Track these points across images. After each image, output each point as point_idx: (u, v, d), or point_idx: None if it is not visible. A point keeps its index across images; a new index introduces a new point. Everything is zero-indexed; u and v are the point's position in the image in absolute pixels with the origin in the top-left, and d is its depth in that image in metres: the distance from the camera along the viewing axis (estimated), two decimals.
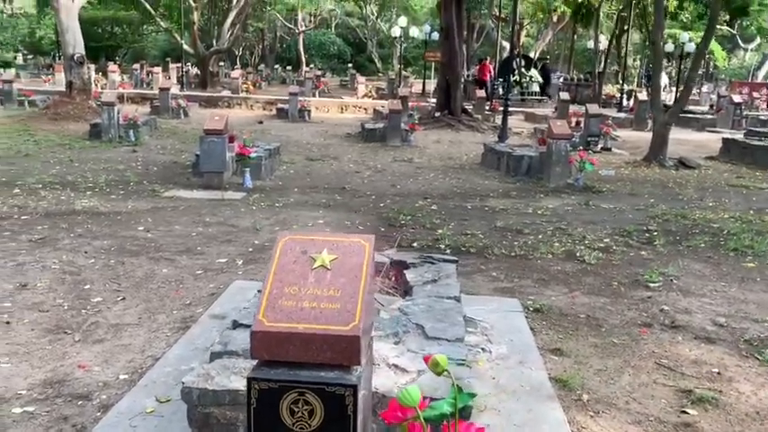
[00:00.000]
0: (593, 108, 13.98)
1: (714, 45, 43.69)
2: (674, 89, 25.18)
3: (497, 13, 30.92)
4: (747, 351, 3.68)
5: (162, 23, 30.19)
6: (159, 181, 8.75)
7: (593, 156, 10.53)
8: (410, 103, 17.60)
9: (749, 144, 12.29)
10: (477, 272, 5.13)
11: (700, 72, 46.52)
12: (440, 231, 6.36)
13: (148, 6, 28.42)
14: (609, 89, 28.77)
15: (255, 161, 8.70)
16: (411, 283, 3.59)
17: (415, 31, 28.10)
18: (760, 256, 5.85)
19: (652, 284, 4.89)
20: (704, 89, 29.86)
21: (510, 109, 23.30)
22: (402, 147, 13.38)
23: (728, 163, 12.28)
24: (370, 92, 25.35)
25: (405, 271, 3.79)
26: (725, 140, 13.03)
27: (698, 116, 20.01)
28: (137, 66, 30.15)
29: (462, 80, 19.68)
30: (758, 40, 40.37)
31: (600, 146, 13.69)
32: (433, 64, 26.10)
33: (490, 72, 23.88)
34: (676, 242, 6.34)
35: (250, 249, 5.60)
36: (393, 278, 3.80)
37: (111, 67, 26.84)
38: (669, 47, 23.80)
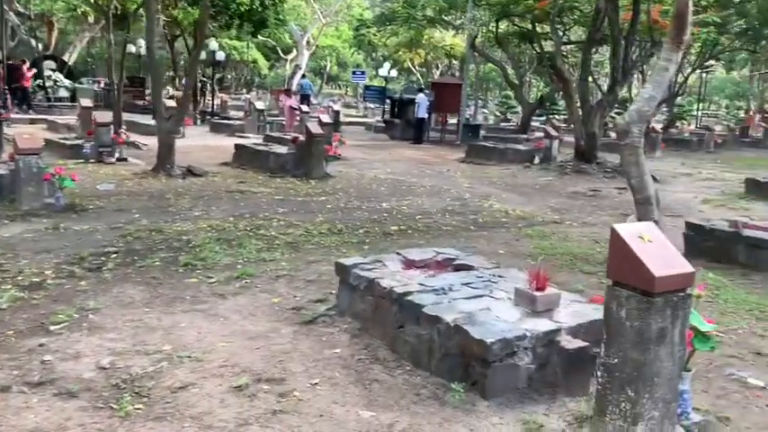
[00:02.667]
0: (104, 116, 13.02)
1: (258, 55, 47.25)
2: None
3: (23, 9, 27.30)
4: (107, 400, 3.26)
5: None
6: None
7: (108, 166, 9.61)
8: None
9: (256, 149, 13.02)
10: None
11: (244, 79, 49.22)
12: None
13: None
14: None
15: None
16: None
17: None
18: (208, 269, 5.79)
19: (54, 327, 4.22)
20: (245, 96, 31.73)
21: (36, 117, 20.84)
22: None
23: (239, 168, 12.82)
24: None
25: None
26: (237, 146, 13.59)
27: (230, 122, 20.91)
28: None
29: None
30: (294, 51, 44.89)
31: (115, 156, 12.85)
32: None
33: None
34: (131, 263, 5.88)
35: None
36: None
37: None
38: (201, 54, 24.41)
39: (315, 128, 12.00)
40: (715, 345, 3.10)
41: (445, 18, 25.01)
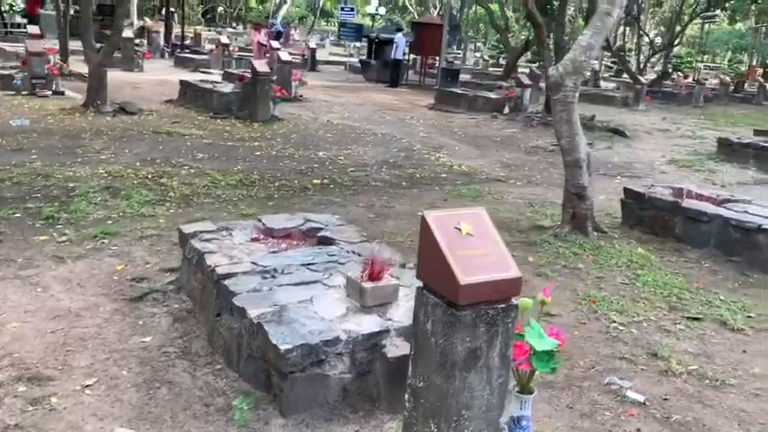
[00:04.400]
0: (37, 45, 12.07)
1: None
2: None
3: None
4: None
5: None
6: None
7: (39, 99, 8.88)
8: None
9: (201, 87, 12.16)
10: None
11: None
12: None
13: None
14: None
15: None
16: None
17: None
18: (71, 224, 5.12)
19: None
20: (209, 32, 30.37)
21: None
22: None
23: (182, 106, 11.99)
24: None
25: None
26: (182, 83, 12.71)
27: (195, 57, 19.85)
28: None
29: None
30: None
31: (52, 90, 11.99)
32: None
33: None
34: None
35: None
36: None
37: None
38: None
39: (260, 66, 11.11)
40: (557, 365, 2.47)
41: None
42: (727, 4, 34.99)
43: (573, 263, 5.07)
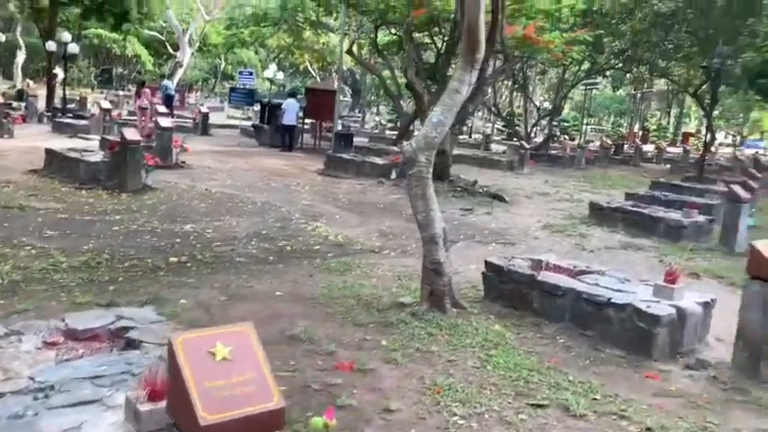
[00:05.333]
0: None
1: (141, 50, 44.55)
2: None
3: None
4: None
5: None
6: None
7: None
8: None
9: (66, 156, 11.45)
10: None
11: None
12: None
13: None
14: None
15: None
16: None
17: None
18: None
19: None
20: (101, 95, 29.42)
21: None
22: None
23: (48, 176, 11.24)
24: None
25: None
26: (47, 151, 11.95)
27: (75, 122, 18.96)
28: None
29: None
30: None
31: None
32: None
33: None
34: None
35: None
36: None
37: None
38: (51, 45, 22.14)
39: (130, 134, 10.61)
40: None
41: (325, 21, 23.96)
42: (606, 73, 37.74)
43: (427, 345, 4.87)
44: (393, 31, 21.52)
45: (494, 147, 29.43)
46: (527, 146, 20.64)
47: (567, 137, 37.27)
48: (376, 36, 21.75)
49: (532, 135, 31.80)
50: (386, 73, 24.62)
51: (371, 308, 5.68)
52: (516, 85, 33.88)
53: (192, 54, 35.63)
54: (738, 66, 27.58)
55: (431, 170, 5.68)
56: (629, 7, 22.81)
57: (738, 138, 54.10)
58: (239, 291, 5.99)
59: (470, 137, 34.76)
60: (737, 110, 49.23)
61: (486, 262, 6.28)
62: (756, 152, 41.52)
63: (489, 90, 34.60)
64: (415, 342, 4.90)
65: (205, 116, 22.63)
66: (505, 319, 5.60)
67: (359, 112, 40.58)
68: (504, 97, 39.82)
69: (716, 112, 38.10)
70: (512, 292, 5.90)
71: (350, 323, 5.28)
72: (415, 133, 22.83)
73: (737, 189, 10.24)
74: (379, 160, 15.31)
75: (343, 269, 7.05)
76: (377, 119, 40.28)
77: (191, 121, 23.68)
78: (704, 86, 28.21)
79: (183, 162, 14.16)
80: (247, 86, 24.40)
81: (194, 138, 20.61)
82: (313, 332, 4.93)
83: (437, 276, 5.58)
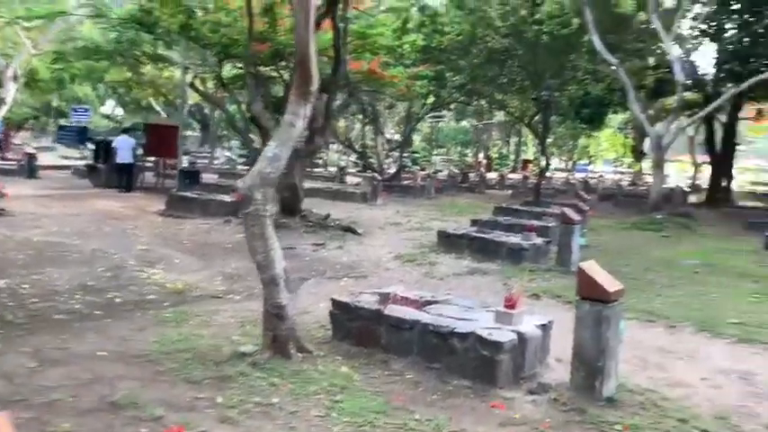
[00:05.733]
0: None
1: None
2: None
3: None
4: None
5: None
6: None
7: None
8: None
9: None
10: None
11: None
12: None
13: None
14: None
15: None
16: None
17: None
18: None
19: None
20: None
21: None
22: None
23: None
24: None
25: None
26: None
27: None
28: None
29: None
30: None
31: None
32: None
33: None
34: None
35: None
36: None
37: None
38: None
39: None
40: None
41: (167, 55, 22.95)
42: (451, 106, 39.64)
43: (267, 397, 4.50)
44: (240, 65, 21.08)
45: (349, 179, 29.65)
46: (379, 177, 20.95)
47: (418, 167, 38.49)
48: (220, 70, 21.21)
49: (385, 166, 32.54)
50: (233, 107, 24.01)
51: (208, 361, 5.21)
52: (367, 119, 34.62)
53: (18, 90, 32.59)
54: (565, 97, 30.20)
55: (269, 207, 5.39)
56: (464, 44, 24.13)
57: (570, 163, 59.05)
58: (53, 354, 5.26)
59: (326, 169, 34.89)
60: (568, 137, 53.91)
61: (332, 300, 6.04)
62: (586, 176, 45.54)
63: (343, 123, 35.10)
64: (255, 395, 4.52)
65: (31, 157, 20.65)
66: (354, 359, 5.38)
67: (209, 147, 39.34)
68: (356, 130, 40.53)
69: (549, 140, 41.41)
70: (359, 329, 5.71)
71: (182, 381, 4.78)
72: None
73: (569, 212, 10.93)
74: (226, 198, 14.69)
75: (179, 319, 6.50)
76: (228, 154, 39.22)
77: (15, 163, 21.53)
78: (537, 117, 30.53)
79: (2, 210, 12.68)
80: (81, 123, 22.64)
81: (20, 181, 18.74)
82: (138, 396, 4.39)
83: (279, 320, 5.25)
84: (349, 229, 12.79)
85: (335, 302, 5.97)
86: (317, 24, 13.45)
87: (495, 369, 4.90)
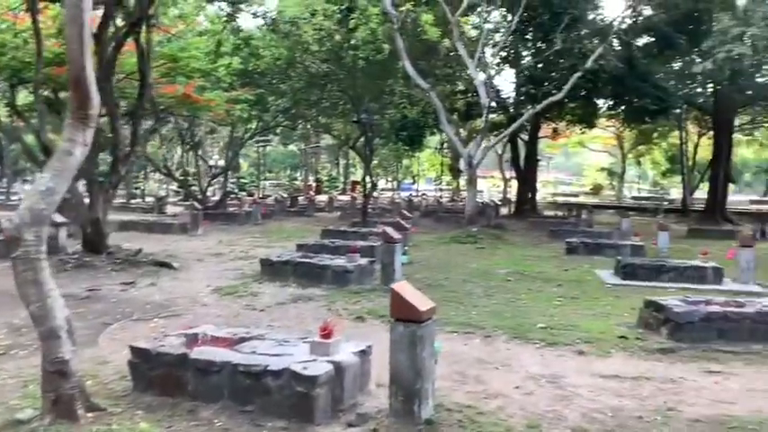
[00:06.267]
0: None
1: None
2: None
3: None
4: None
5: None
6: None
7: None
8: None
9: None
10: None
11: None
12: None
13: None
14: None
15: None
16: None
17: None
18: None
19: None
20: None
21: None
22: None
23: None
24: None
25: None
26: None
27: None
28: None
29: None
30: None
31: None
32: None
33: None
34: None
35: None
36: None
37: None
38: None
39: None
40: None
41: None
42: (277, 130, 39.20)
43: None
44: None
45: (170, 209, 28.01)
46: (199, 206, 19.95)
47: (245, 193, 37.54)
48: (13, 96, 19.04)
49: (209, 194, 31.26)
50: (30, 137, 21.62)
51: None
52: (188, 145, 33.10)
53: None
54: (386, 120, 31.15)
55: (43, 248, 4.66)
56: (283, 68, 23.97)
57: (395, 183, 61.24)
58: None
59: (144, 200, 32.72)
60: (392, 158, 55.85)
61: (131, 348, 5.40)
62: (410, 194, 47.42)
63: (163, 150, 33.14)
64: None
65: None
66: (156, 413, 4.80)
67: (6, 181, 35.23)
68: (176, 157, 38.59)
69: (374, 162, 42.57)
70: (162, 377, 5.13)
71: None
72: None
73: (390, 230, 11.06)
74: None
75: None
76: (27, 188, 35.38)
77: None
78: (361, 139, 31.17)
79: None
80: None
81: None
82: None
83: (62, 378, 4.54)
84: (164, 264, 11.88)
85: (134, 350, 5.34)
86: (119, 46, 12.51)
87: (311, 405, 4.62)
